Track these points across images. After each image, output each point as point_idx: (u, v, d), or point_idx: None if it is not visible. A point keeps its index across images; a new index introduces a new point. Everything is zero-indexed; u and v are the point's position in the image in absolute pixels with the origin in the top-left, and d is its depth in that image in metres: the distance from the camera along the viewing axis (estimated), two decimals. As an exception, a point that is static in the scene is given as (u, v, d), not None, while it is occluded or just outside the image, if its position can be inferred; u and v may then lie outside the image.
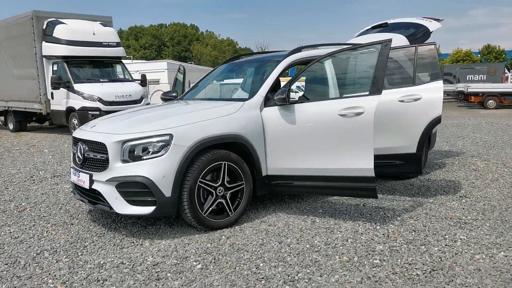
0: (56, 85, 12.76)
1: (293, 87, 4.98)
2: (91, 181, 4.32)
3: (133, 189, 4.12)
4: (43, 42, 13.37)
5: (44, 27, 13.42)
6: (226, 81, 6.16)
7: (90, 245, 4.14)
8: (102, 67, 13.83)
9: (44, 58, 13.47)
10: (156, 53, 73.73)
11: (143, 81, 14.06)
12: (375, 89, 4.29)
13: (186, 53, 74.31)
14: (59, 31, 13.08)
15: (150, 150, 4.13)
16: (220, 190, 4.42)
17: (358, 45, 4.65)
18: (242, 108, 4.68)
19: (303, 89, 5.93)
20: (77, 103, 12.54)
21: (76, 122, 12.45)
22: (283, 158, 4.68)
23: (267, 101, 4.77)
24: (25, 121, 15.77)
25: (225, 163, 4.41)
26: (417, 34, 6.80)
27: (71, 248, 4.07)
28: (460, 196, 5.34)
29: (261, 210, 5.05)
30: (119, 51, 14.04)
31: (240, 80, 6.18)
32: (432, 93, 5.08)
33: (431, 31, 6.77)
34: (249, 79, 5.65)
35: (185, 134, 4.19)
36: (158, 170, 4.07)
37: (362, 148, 4.26)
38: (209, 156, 4.30)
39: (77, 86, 12.68)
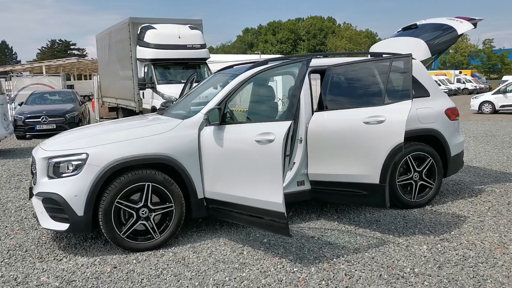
0: (142, 86, 13.78)
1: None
2: (31, 194, 4.59)
3: (52, 205, 4.26)
4: (137, 46, 14.52)
5: (138, 32, 14.57)
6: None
7: (20, 254, 4.40)
8: (186, 69, 14.51)
9: (138, 61, 14.64)
10: (292, 47, 74.82)
11: (223, 82, 14.36)
12: (289, 114, 3.78)
13: (321, 46, 73.95)
14: (149, 36, 14.08)
15: (70, 168, 4.23)
16: (143, 211, 4.32)
17: (281, 63, 4.13)
18: (177, 127, 4.50)
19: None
20: (158, 103, 13.36)
21: (156, 121, 13.33)
22: (215, 182, 4.40)
23: (213, 119, 4.51)
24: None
25: (148, 184, 4.31)
26: (443, 36, 5.76)
27: (1, 256, 4.38)
28: (441, 239, 4.41)
29: (208, 233, 4.82)
30: (203, 53, 14.56)
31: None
32: (396, 115, 4.23)
33: (459, 33, 5.68)
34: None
35: (100, 154, 4.19)
36: (71, 189, 4.14)
37: (272, 179, 3.79)
38: (129, 177, 4.24)
39: (159, 87, 13.53)
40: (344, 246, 4.32)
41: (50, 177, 4.30)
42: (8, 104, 19.73)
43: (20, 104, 15.83)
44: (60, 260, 4.26)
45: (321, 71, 5.11)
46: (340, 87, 4.92)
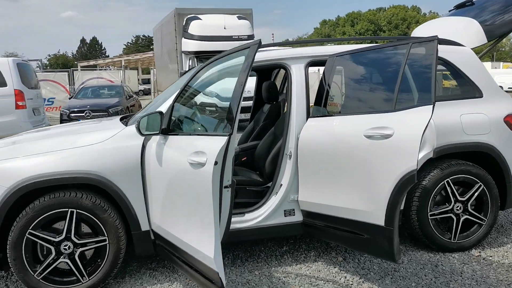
0: (183, 80, 12.99)
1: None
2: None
3: (-43, 233, 3.38)
4: (183, 38, 13.75)
5: (184, 23, 13.80)
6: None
7: None
8: (231, 62, 13.49)
9: (183, 54, 13.88)
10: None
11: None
12: (227, 125, 2.55)
13: (403, 38, 69.71)
14: (193, 27, 13.25)
15: (-24, 187, 3.32)
16: (66, 246, 3.32)
17: (226, 53, 2.90)
18: (114, 137, 3.43)
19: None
20: (199, 98, 12.50)
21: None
22: (160, 212, 3.28)
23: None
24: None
25: (72, 211, 3.29)
26: (506, 15, 4.16)
27: None
28: (478, 314, 2.94)
29: (165, 273, 3.72)
30: (249, 44, 13.44)
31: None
32: (407, 127, 2.81)
33: (530, 8, 4.04)
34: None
35: (7, 171, 3.24)
36: (-29, 215, 3.23)
37: (203, 221, 2.60)
38: (46, 201, 3.25)
39: (201, 82, 12.64)
40: (328, 314, 3.00)
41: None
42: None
43: (70, 98, 15.81)
44: (-33, 301, 3.39)
45: (324, 63, 3.79)
46: (341, 84, 3.57)
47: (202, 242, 2.61)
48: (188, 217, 2.80)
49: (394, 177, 2.86)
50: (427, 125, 2.71)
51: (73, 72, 20.99)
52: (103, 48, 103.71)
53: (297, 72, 3.75)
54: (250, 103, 5.86)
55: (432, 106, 2.74)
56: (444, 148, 3.75)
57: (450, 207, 3.85)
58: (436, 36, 2.86)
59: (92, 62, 50.54)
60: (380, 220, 2.99)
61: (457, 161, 3.86)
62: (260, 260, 3.92)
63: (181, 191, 2.89)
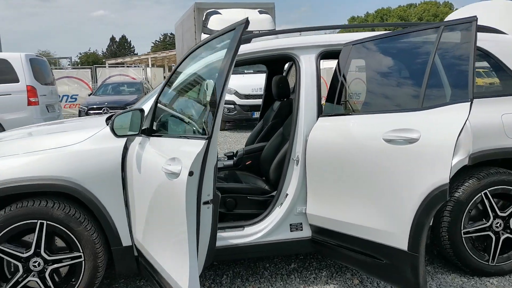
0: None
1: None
2: None
3: None
4: (202, 33, 13.35)
5: (203, 18, 13.40)
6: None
7: None
8: (252, 58, 13.00)
9: (202, 50, 13.48)
10: (401, 37, 69.78)
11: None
12: (208, 126, 2.05)
13: (434, 35, 67.84)
14: (212, 22, 12.84)
15: None
16: (35, 262, 2.89)
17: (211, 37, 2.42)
18: (91, 138, 2.98)
19: None
20: (217, 96, 12.09)
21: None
22: (139, 226, 2.82)
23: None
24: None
25: (42, 223, 2.85)
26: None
27: None
28: None
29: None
30: (270, 40, 12.93)
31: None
32: (439, 129, 2.24)
33: None
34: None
35: (-31, 177, 2.83)
36: None
37: (178, 243, 2.11)
38: (12, 211, 2.83)
39: (219, 78, 12.21)
40: None
41: None
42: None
43: (90, 95, 15.68)
44: None
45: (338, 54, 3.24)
46: (357, 78, 3.02)
47: (177, 270, 2.12)
48: (164, 237, 2.32)
49: (420, 192, 2.30)
50: (463, 127, 2.14)
51: (96, 69, 20.91)
52: (131, 46, 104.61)
53: (306, 64, 3.22)
54: (260, 101, 5.36)
55: (469, 103, 2.17)
56: (482, 154, 3.15)
57: (488, 223, 3.25)
58: (475, 16, 2.28)
59: (119, 60, 50.97)
60: (402, 244, 2.43)
61: (497, 169, 3.24)
62: (263, 280, 3.41)
63: (158, 204, 2.42)
